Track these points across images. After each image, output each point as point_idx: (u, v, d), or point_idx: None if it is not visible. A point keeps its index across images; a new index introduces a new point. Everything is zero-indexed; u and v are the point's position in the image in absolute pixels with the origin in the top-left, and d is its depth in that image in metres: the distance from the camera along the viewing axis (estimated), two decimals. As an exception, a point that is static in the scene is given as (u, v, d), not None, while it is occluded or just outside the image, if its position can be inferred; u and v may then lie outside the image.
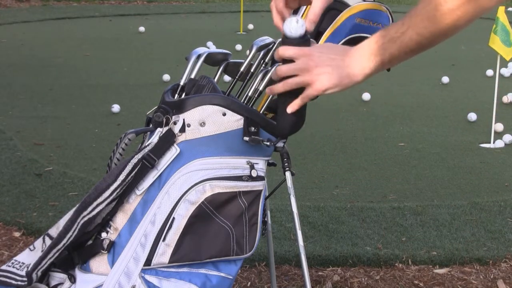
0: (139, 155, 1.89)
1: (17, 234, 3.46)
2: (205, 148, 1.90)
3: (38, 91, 6.59)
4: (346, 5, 2.07)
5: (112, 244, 1.90)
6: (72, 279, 1.92)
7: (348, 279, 3.06)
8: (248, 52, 2.11)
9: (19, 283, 1.89)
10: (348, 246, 3.28)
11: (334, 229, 3.47)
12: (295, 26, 1.70)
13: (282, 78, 1.69)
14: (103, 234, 1.92)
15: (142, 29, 10.27)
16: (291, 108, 1.74)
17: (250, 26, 10.34)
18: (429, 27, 1.49)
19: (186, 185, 1.87)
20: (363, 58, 1.59)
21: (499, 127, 5.19)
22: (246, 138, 1.91)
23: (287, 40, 1.70)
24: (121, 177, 1.87)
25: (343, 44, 2.05)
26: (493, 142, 5.03)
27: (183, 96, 2.06)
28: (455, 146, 5.05)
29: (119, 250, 1.89)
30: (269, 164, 2.04)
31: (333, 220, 3.58)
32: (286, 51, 1.67)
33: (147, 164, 1.88)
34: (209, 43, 8.45)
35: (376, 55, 1.57)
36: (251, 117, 1.93)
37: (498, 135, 5.11)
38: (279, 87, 1.70)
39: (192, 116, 1.91)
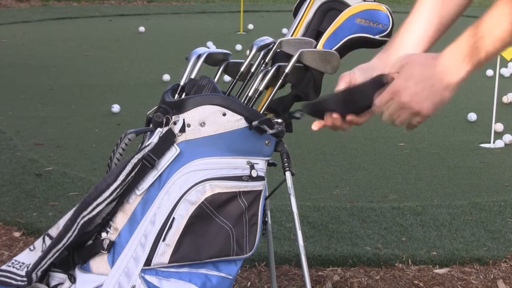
0: (139, 155, 1.89)
1: (17, 234, 3.46)
2: (205, 148, 1.90)
3: (38, 91, 6.59)
4: (346, 5, 2.07)
5: (112, 244, 1.90)
6: (72, 279, 1.92)
7: (348, 279, 3.06)
8: (248, 52, 2.11)
9: (19, 283, 1.89)
10: (348, 246, 3.28)
11: (334, 229, 3.47)
12: None
13: None
14: (103, 234, 1.92)
15: (142, 29, 10.27)
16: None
17: (250, 26, 10.33)
18: None
19: (186, 185, 1.87)
20: (456, 63, 1.46)
21: (499, 127, 5.19)
22: (256, 122, 1.90)
23: None
24: (121, 177, 1.87)
25: (343, 44, 2.05)
26: (493, 142, 5.02)
27: (183, 96, 2.06)
28: (455, 146, 5.04)
29: (119, 250, 1.89)
30: (269, 164, 2.04)
31: (333, 220, 3.58)
32: (378, 103, 1.56)
33: (147, 164, 1.88)
34: (209, 43, 8.45)
35: (471, 56, 1.45)
36: (251, 117, 1.93)
37: (498, 135, 5.11)
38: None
39: (192, 116, 1.91)
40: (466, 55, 1.46)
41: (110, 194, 1.87)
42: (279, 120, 1.94)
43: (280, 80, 2.01)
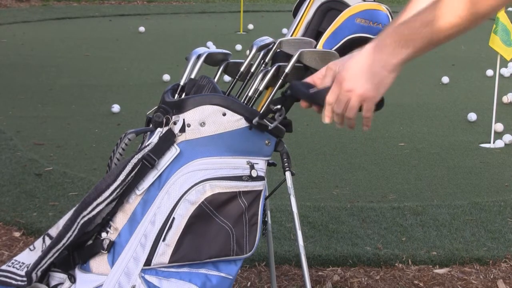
0: (139, 155, 1.89)
1: (17, 234, 3.46)
2: (205, 148, 1.90)
3: (38, 91, 6.59)
4: (346, 5, 2.07)
5: (112, 244, 1.90)
6: (72, 279, 1.92)
7: (348, 279, 3.06)
8: (248, 52, 2.11)
9: (19, 283, 1.89)
10: (348, 246, 3.28)
11: (334, 229, 3.47)
12: None
13: None
14: (103, 234, 1.92)
15: (142, 29, 10.26)
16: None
17: (250, 26, 10.33)
18: (469, 8, 1.41)
19: (186, 185, 1.87)
20: (396, 46, 1.49)
21: (499, 127, 5.19)
22: (256, 119, 1.90)
23: None
24: (121, 177, 1.87)
25: (343, 44, 2.05)
26: (493, 142, 5.02)
27: (183, 96, 2.06)
28: (455, 146, 5.04)
29: (119, 250, 1.89)
30: (269, 164, 2.04)
31: (333, 220, 3.58)
32: (329, 98, 1.60)
33: (147, 164, 1.88)
34: (209, 43, 8.45)
35: (412, 41, 1.48)
36: (251, 117, 1.93)
37: (498, 135, 5.11)
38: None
39: (192, 116, 1.91)
40: (408, 39, 1.47)
41: (110, 194, 1.87)
42: (278, 106, 1.93)
43: (280, 80, 2.01)
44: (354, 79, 1.54)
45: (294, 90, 1.76)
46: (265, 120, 1.92)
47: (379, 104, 1.64)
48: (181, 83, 2.09)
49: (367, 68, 1.53)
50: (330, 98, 1.59)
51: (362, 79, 1.53)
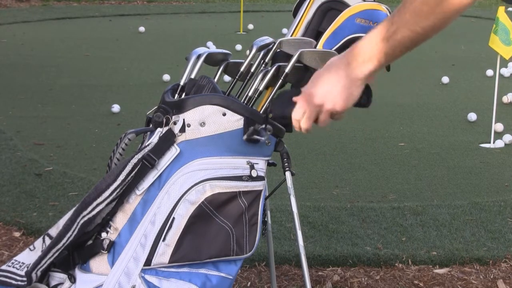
0: (139, 155, 1.89)
1: (17, 234, 3.46)
2: (205, 148, 1.90)
3: (38, 91, 6.58)
4: (346, 5, 2.07)
5: (112, 244, 1.90)
6: (72, 279, 1.92)
7: (348, 279, 3.06)
8: (248, 52, 2.11)
9: (19, 283, 1.89)
10: (348, 246, 3.28)
11: (334, 229, 3.47)
12: None
13: None
14: (103, 234, 1.92)
15: (142, 29, 10.26)
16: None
17: (250, 26, 10.33)
18: (419, 23, 1.47)
19: (186, 185, 1.87)
20: (361, 62, 1.56)
21: (499, 127, 5.19)
22: (244, 137, 1.91)
23: None
24: (121, 177, 1.87)
25: (343, 44, 2.05)
26: (493, 142, 5.03)
27: (183, 96, 2.06)
28: (455, 146, 5.04)
29: (119, 250, 1.89)
30: (269, 164, 2.04)
31: (333, 220, 3.58)
32: (296, 114, 1.65)
33: (147, 164, 1.88)
34: (209, 43, 8.45)
35: (374, 57, 1.54)
36: (251, 117, 1.93)
37: (498, 135, 5.11)
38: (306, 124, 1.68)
39: (192, 116, 1.91)
40: (371, 55, 1.54)
41: (110, 194, 1.88)
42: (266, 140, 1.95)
43: (280, 80, 2.01)
44: (323, 94, 1.60)
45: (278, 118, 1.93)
46: (256, 136, 1.93)
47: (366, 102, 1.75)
48: (181, 83, 2.09)
49: (336, 83, 1.59)
50: (296, 115, 1.65)
51: (331, 94, 1.60)
